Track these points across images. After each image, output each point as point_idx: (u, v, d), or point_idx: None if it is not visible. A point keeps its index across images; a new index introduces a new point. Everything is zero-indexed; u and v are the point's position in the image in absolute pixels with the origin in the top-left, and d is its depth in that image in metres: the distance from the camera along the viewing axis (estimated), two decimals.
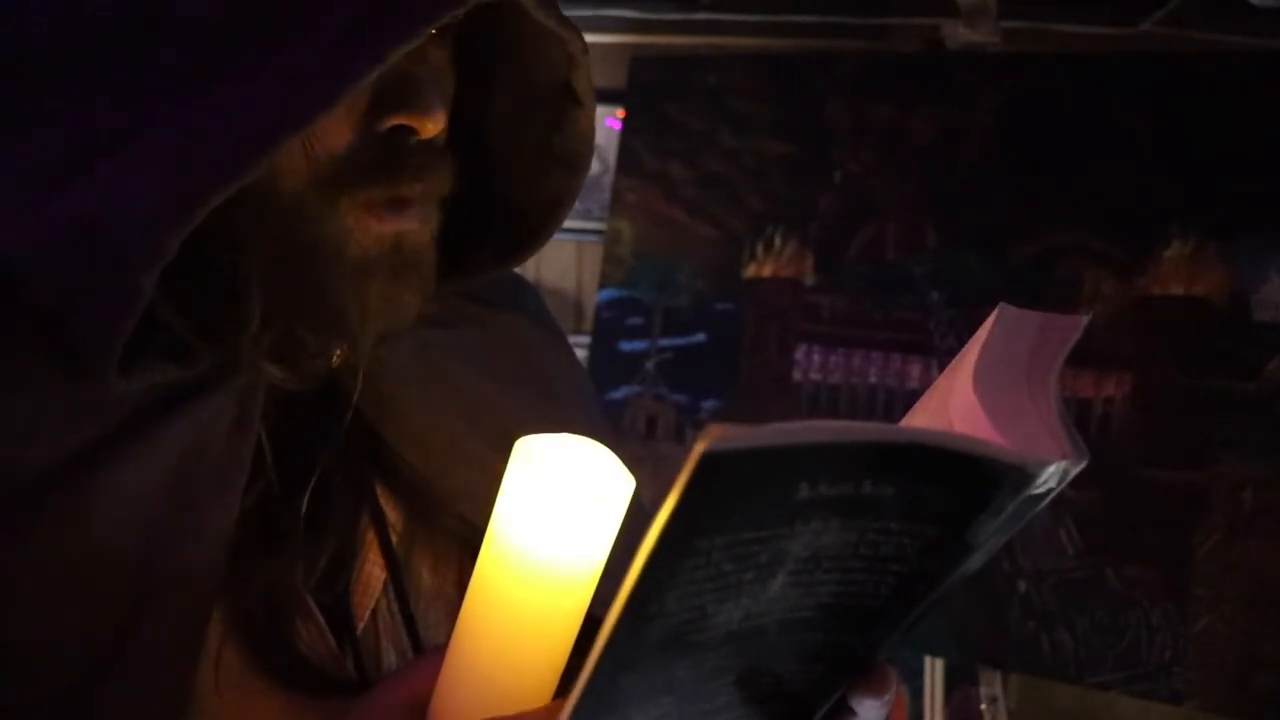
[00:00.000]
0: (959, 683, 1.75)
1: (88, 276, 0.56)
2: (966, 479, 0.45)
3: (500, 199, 0.73)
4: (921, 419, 0.56)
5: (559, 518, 0.52)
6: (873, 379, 1.75)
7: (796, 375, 1.80)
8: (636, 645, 0.46)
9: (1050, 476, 0.47)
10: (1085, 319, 0.53)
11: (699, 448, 0.38)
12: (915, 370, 1.71)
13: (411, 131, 0.60)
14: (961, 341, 1.76)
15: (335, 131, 0.59)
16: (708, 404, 1.86)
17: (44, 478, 0.58)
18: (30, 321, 0.59)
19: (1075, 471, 0.48)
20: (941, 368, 1.67)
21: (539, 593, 0.53)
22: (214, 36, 0.56)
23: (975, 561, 0.51)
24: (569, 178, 0.71)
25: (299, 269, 0.61)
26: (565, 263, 2.09)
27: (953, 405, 0.52)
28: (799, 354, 1.80)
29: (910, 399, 1.73)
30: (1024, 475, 0.46)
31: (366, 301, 0.62)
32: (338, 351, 0.67)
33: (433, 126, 0.61)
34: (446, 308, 0.74)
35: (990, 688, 1.66)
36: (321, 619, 0.65)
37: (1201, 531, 1.47)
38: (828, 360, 1.78)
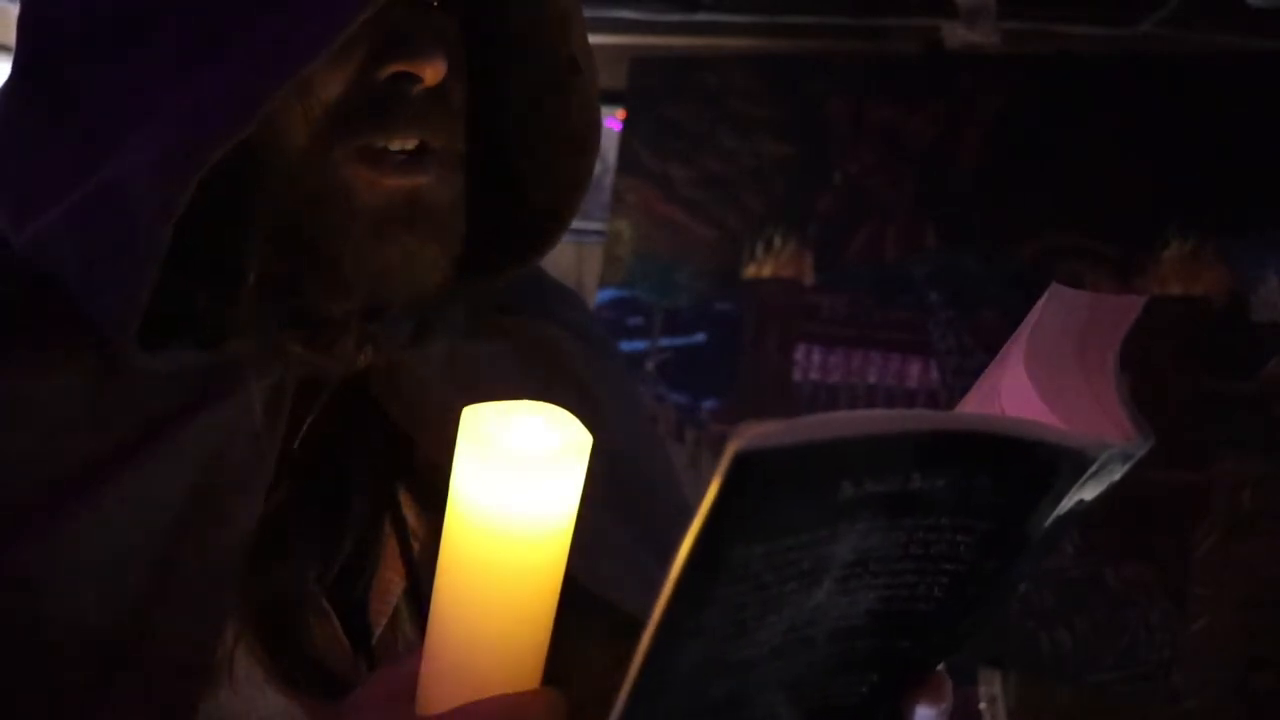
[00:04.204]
0: (959, 682, 1.75)
1: (104, 246, 0.57)
2: (1021, 466, 0.42)
3: (517, 198, 0.74)
4: (971, 407, 0.52)
5: (513, 480, 0.49)
6: (872, 379, 1.75)
7: (796, 375, 1.80)
8: (674, 667, 0.43)
9: (1112, 460, 0.44)
10: (1143, 299, 0.51)
11: (732, 447, 0.35)
12: (915, 370, 1.72)
13: (412, 80, 0.61)
14: (961, 342, 1.77)
15: (333, 85, 0.60)
16: (708, 404, 1.87)
17: (75, 471, 0.59)
18: (66, 313, 0.60)
19: (1140, 454, 0.44)
20: (941, 368, 1.69)
21: (502, 560, 0.50)
22: (219, 6, 0.58)
23: (1033, 558, 0.48)
24: (579, 157, 0.71)
25: (308, 224, 0.61)
26: (565, 263, 2.09)
27: (1004, 389, 0.49)
28: (799, 354, 1.81)
29: (910, 399, 1.74)
30: (1083, 459, 0.42)
31: (386, 258, 0.62)
32: (363, 355, 0.67)
33: (432, 72, 0.60)
34: (476, 319, 0.74)
35: (990, 687, 1.66)
36: (337, 622, 0.65)
37: (1201, 531, 1.48)
38: (827, 360, 1.78)
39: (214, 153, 0.55)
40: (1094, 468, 0.43)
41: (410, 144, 0.62)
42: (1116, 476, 0.46)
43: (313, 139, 0.60)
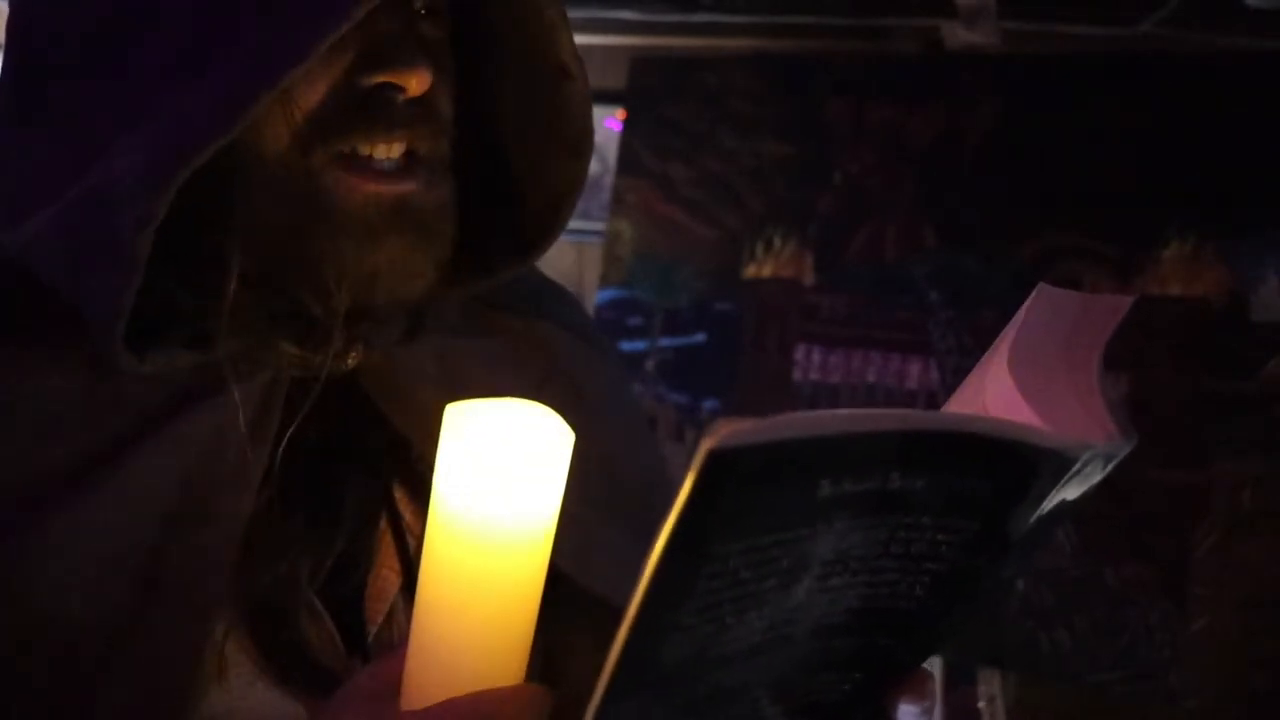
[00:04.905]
0: (957, 682, 1.75)
1: (90, 250, 0.58)
2: (1002, 467, 0.42)
3: (514, 198, 0.74)
4: (955, 406, 0.52)
5: (495, 476, 0.50)
6: (872, 379, 1.75)
7: (796, 375, 1.80)
8: (651, 664, 0.43)
9: (1094, 460, 0.43)
10: (1130, 299, 0.51)
11: (705, 445, 0.35)
12: (915, 370, 1.72)
13: (397, 90, 0.61)
14: (961, 341, 1.77)
15: (315, 92, 0.60)
16: (708, 404, 1.87)
17: (68, 468, 0.60)
18: (56, 313, 0.61)
19: (1122, 455, 0.44)
20: (941, 368, 1.69)
21: (485, 556, 0.50)
22: (204, 16, 0.59)
23: (1016, 558, 0.48)
24: (573, 161, 0.72)
25: (289, 227, 0.62)
26: (565, 263, 2.09)
27: (988, 389, 0.49)
28: (799, 354, 1.81)
29: (910, 399, 1.74)
30: (1064, 460, 0.42)
31: (374, 262, 0.62)
32: (354, 353, 0.67)
33: (417, 82, 0.61)
34: (470, 318, 0.75)
35: (989, 686, 1.66)
36: (329, 620, 0.65)
37: (1200, 531, 1.48)
38: (827, 360, 1.78)
39: (197, 159, 0.56)
40: (1075, 468, 0.43)
41: (395, 151, 0.62)
42: (1098, 477, 0.46)
43: (294, 144, 0.61)
